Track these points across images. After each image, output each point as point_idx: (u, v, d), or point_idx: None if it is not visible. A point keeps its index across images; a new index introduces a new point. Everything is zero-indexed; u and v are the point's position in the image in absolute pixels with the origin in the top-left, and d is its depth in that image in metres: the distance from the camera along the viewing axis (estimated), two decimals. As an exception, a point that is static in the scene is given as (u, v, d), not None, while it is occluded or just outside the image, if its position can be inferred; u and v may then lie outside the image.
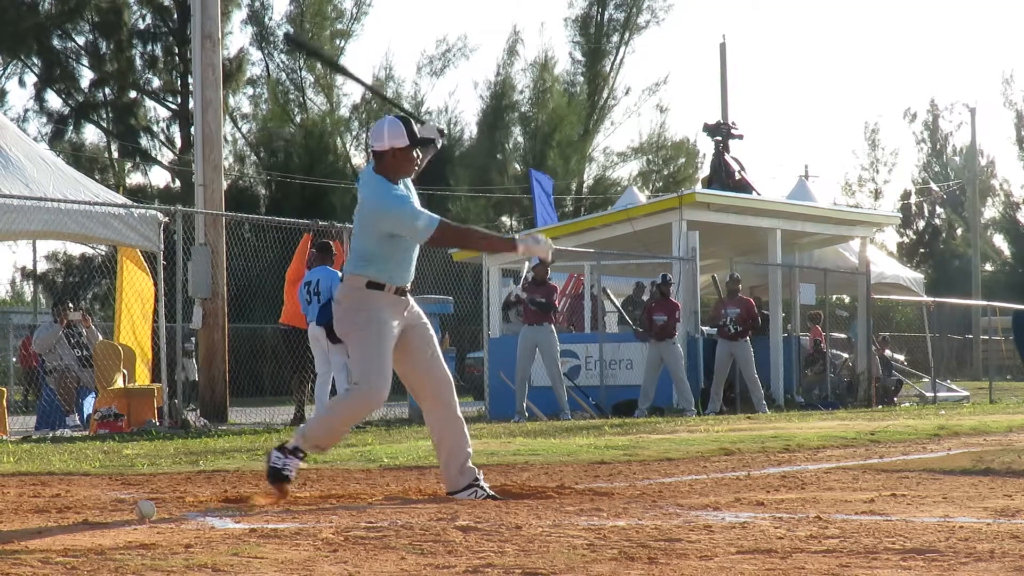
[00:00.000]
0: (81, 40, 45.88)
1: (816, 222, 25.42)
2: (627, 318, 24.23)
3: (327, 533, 5.71)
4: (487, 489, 7.33)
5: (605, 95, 51.82)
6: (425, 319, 7.47)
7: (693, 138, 53.11)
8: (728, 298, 21.00)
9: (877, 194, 68.38)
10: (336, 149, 46.68)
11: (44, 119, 46.10)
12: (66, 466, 9.84)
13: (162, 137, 47.46)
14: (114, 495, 7.65)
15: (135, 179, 47.49)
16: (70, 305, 19.08)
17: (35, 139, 36.25)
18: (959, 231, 65.82)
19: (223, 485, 8.32)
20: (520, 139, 50.81)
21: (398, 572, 4.75)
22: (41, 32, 44.47)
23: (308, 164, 43.87)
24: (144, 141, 47.03)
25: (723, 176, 24.86)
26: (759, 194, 25.11)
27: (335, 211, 36.96)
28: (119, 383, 16.69)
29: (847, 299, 36.51)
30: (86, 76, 46.30)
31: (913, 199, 67.08)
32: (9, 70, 45.73)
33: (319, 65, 46.18)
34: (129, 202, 17.82)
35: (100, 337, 18.23)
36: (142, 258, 17.69)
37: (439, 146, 7.46)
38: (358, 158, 46.71)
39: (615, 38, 51.73)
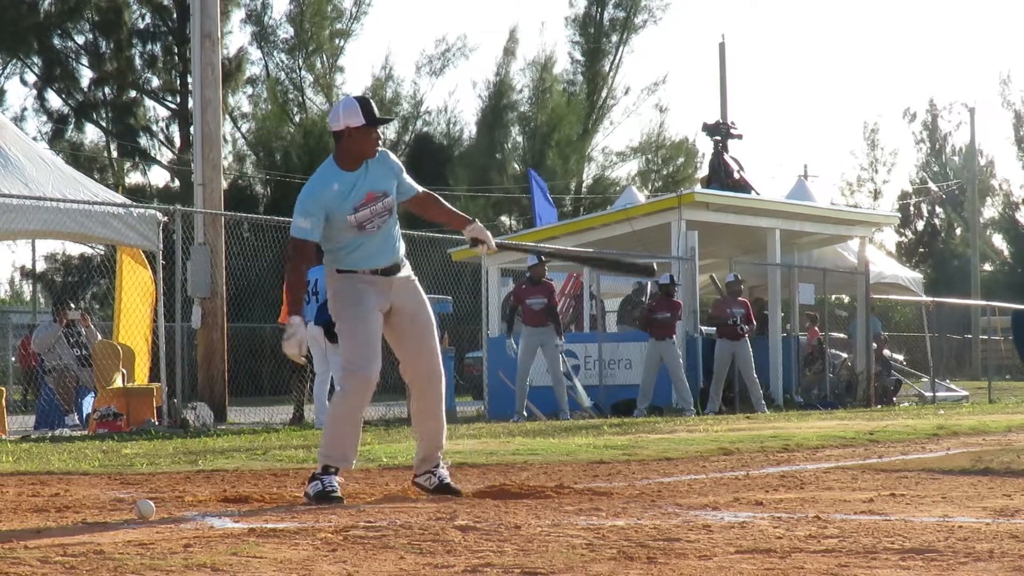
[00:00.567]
0: (81, 39, 45.92)
1: (815, 222, 25.42)
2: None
3: (326, 532, 5.71)
4: (438, 477, 7.39)
5: (604, 95, 51.82)
6: (419, 302, 7.37)
7: (692, 138, 53.19)
8: (732, 298, 21.00)
9: (876, 194, 68.44)
10: (335, 148, 46.66)
11: (44, 118, 46.20)
12: (65, 465, 9.83)
13: (161, 136, 47.51)
14: (113, 494, 7.65)
15: (134, 178, 47.58)
16: (69, 305, 19.09)
17: (34, 138, 36.28)
18: (958, 231, 65.82)
19: (222, 485, 8.32)
20: (519, 139, 50.84)
21: (397, 571, 4.75)
22: (41, 31, 44.50)
23: (307, 163, 43.87)
24: (143, 140, 47.08)
25: (722, 176, 24.86)
26: (758, 194, 25.12)
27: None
28: (118, 383, 16.68)
29: (846, 299, 36.53)
30: (86, 75, 46.41)
31: (912, 199, 67.09)
32: (9, 69, 45.79)
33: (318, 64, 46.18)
34: (128, 201, 17.81)
35: (99, 336, 18.23)
36: (142, 254, 17.67)
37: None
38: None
39: (614, 38, 51.75)
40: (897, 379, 27.61)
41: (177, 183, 45.10)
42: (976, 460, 10.03)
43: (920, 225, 67.78)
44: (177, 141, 45.99)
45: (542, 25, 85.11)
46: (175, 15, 44.73)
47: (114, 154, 47.16)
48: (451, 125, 50.12)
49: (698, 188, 25.20)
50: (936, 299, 31.60)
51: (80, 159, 43.25)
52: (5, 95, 46.45)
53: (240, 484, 8.31)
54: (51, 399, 17.67)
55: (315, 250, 7.33)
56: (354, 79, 68.32)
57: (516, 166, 49.15)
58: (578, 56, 51.77)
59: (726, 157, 25.29)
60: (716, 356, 20.84)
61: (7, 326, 29.77)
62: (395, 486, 8.02)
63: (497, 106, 49.85)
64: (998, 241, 67.95)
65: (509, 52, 50.45)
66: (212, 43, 18.48)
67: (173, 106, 46.46)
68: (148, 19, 46.09)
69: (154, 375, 17.29)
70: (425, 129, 49.94)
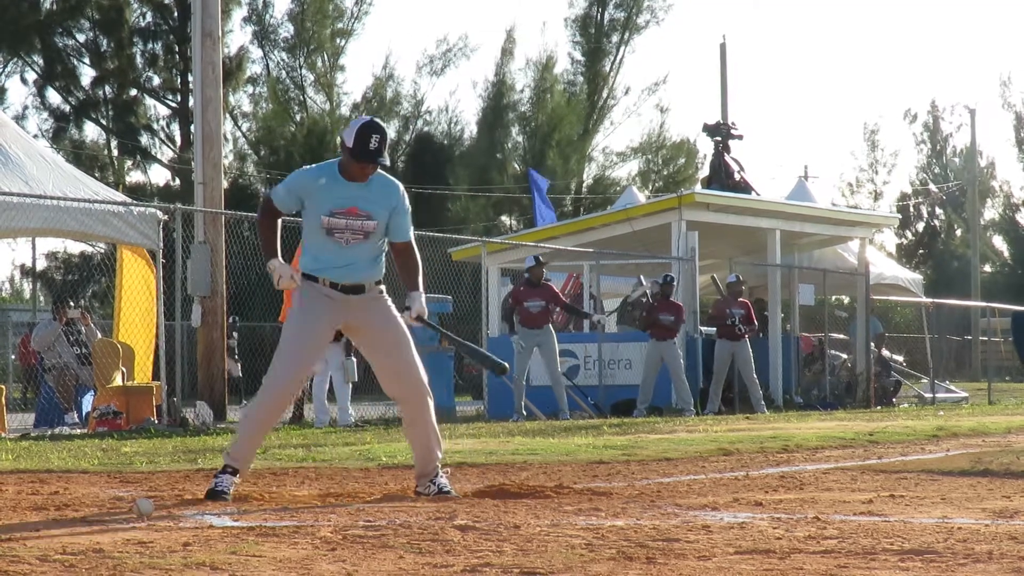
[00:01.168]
0: (82, 38, 45.92)
1: (815, 223, 25.42)
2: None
3: (325, 532, 5.71)
4: (437, 486, 7.36)
5: (605, 95, 51.81)
6: (386, 317, 7.26)
7: (693, 138, 53.15)
8: (732, 299, 20.99)
9: (876, 195, 68.43)
10: (336, 148, 46.65)
11: (45, 116, 46.19)
12: (65, 464, 9.83)
13: (162, 135, 47.51)
14: (113, 493, 7.65)
15: (135, 177, 47.59)
16: (69, 303, 19.07)
17: (35, 136, 36.28)
18: (958, 232, 65.81)
19: (221, 483, 8.30)
20: (520, 139, 50.84)
21: (396, 571, 4.75)
22: (42, 30, 44.50)
23: (308, 163, 43.81)
24: (144, 139, 47.09)
25: (723, 176, 24.87)
26: (758, 194, 25.13)
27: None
28: (118, 381, 16.67)
29: (846, 300, 36.52)
30: (87, 74, 46.41)
31: (912, 200, 67.08)
32: (10, 67, 45.80)
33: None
34: (129, 200, 17.81)
35: (99, 335, 18.22)
36: (145, 252, 17.64)
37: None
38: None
39: (615, 38, 51.73)
40: (897, 380, 27.60)
41: (178, 182, 45.11)
42: (975, 461, 10.04)
43: (920, 226, 67.78)
44: (178, 140, 46.00)
45: (543, 25, 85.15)
46: (176, 13, 44.73)
47: (115, 152, 47.17)
48: (452, 125, 50.16)
49: (698, 188, 25.20)
50: (936, 300, 31.59)
51: (81, 157, 43.25)
52: (7, 93, 46.42)
53: (239, 483, 8.29)
54: (51, 397, 17.65)
55: (278, 214, 7.38)
56: (355, 78, 68.37)
57: (516, 166, 49.14)
58: (578, 56, 51.79)
59: (727, 158, 25.30)
60: (716, 356, 20.84)
61: (7, 324, 29.77)
62: (395, 485, 8.02)
63: (498, 106, 49.85)
64: (998, 242, 67.94)
65: (507, 52, 50.49)
66: (213, 42, 18.47)
67: (174, 105, 46.46)
68: (149, 17, 46.12)
69: (154, 374, 17.28)
70: (426, 129, 49.97)
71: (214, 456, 10.59)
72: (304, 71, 48.15)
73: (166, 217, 16.70)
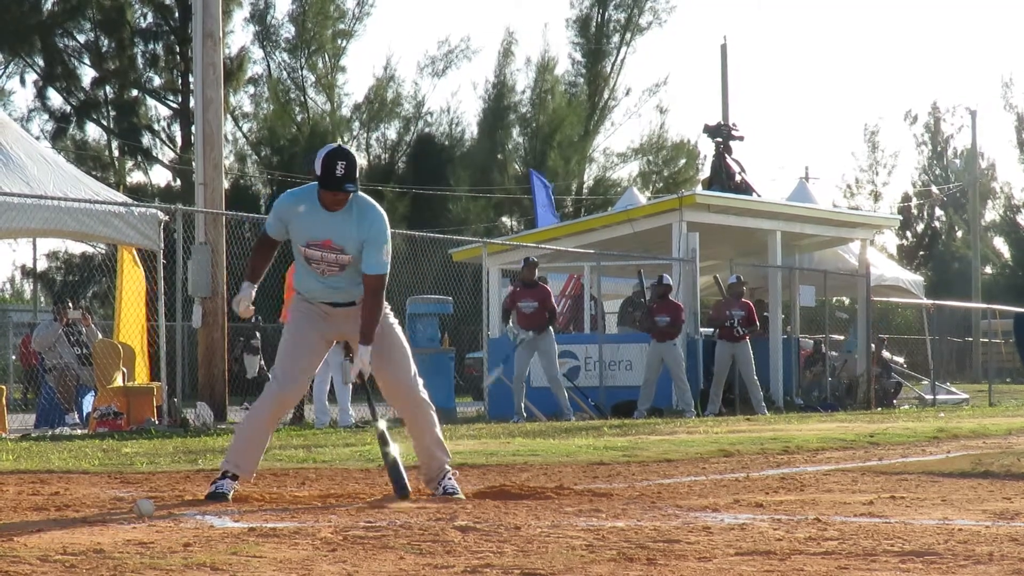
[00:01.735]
0: (83, 38, 45.94)
1: (816, 224, 25.42)
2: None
3: (326, 532, 5.71)
4: (443, 487, 7.35)
5: (605, 96, 51.84)
6: (385, 333, 7.24)
7: (694, 139, 53.19)
8: (733, 300, 20.99)
9: (876, 196, 68.43)
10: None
11: (46, 117, 46.19)
12: (65, 464, 9.83)
13: (163, 136, 47.52)
14: (113, 493, 7.65)
15: (136, 177, 47.59)
16: (70, 303, 19.08)
17: (36, 137, 36.25)
18: (959, 233, 65.82)
19: (222, 484, 8.30)
20: (520, 140, 50.85)
21: (396, 572, 4.75)
22: (43, 30, 44.50)
23: (308, 162, 43.88)
24: (145, 139, 47.08)
25: (723, 177, 24.87)
26: (759, 196, 25.12)
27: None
28: (118, 381, 16.68)
29: (847, 301, 36.51)
30: (87, 74, 46.43)
31: (913, 201, 67.08)
32: (11, 68, 45.79)
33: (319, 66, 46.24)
34: (129, 200, 17.82)
35: (99, 335, 18.22)
36: (135, 256, 17.63)
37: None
38: (359, 158, 46.70)
39: (616, 39, 51.75)
40: (897, 382, 27.61)
41: (178, 182, 45.12)
42: (976, 463, 10.03)
43: (921, 228, 67.78)
44: (178, 140, 46.00)
45: (544, 26, 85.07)
46: (177, 14, 44.74)
47: (115, 153, 47.15)
48: (453, 126, 50.16)
49: (699, 190, 25.20)
50: (937, 302, 31.60)
51: (82, 158, 43.26)
52: (9, 94, 46.37)
53: (239, 488, 8.29)
54: (51, 398, 17.66)
55: (272, 243, 7.37)
56: (356, 79, 68.66)
57: (517, 167, 49.16)
58: (579, 57, 51.81)
59: (728, 159, 25.29)
60: (716, 358, 20.84)
61: (8, 325, 29.74)
62: (395, 486, 8.02)
63: (498, 107, 49.86)
64: (999, 244, 67.96)
65: (507, 54, 50.49)
66: (214, 42, 18.46)
67: (175, 105, 46.47)
68: (150, 18, 46.14)
69: (154, 374, 17.29)
70: (427, 130, 49.97)
71: (215, 457, 10.59)
72: (305, 72, 48.18)
73: (167, 218, 16.70)
